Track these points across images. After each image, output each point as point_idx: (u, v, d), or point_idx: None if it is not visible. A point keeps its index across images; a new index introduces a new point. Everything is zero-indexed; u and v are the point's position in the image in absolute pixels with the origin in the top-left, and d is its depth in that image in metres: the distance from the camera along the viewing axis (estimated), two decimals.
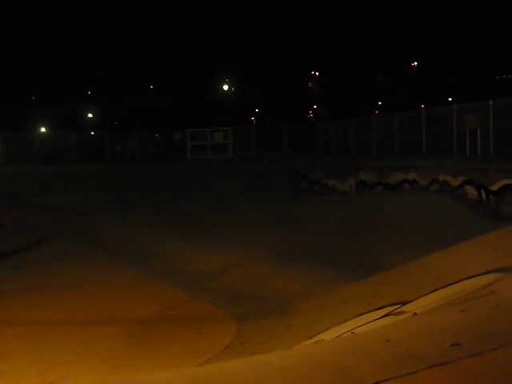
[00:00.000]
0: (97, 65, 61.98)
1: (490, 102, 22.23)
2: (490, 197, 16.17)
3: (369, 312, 6.82)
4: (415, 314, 5.46)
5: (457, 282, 6.69)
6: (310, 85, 70.79)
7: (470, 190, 16.99)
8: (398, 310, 6.39)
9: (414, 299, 6.61)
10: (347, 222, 15.40)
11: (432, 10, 55.49)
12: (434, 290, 6.69)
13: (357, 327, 5.95)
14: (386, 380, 2.91)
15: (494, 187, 15.97)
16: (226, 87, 60.10)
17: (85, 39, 64.43)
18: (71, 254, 13.99)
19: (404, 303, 6.59)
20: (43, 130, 49.81)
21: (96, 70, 61.94)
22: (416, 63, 62.43)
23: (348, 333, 5.71)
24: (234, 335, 8.56)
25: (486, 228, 9.97)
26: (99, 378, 6.92)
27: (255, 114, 72.25)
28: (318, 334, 6.75)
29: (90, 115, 63.83)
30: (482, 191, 16.51)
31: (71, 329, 7.92)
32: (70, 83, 62.44)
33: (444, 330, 3.94)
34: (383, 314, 6.38)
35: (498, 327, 3.84)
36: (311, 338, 6.71)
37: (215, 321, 9.36)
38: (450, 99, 51.53)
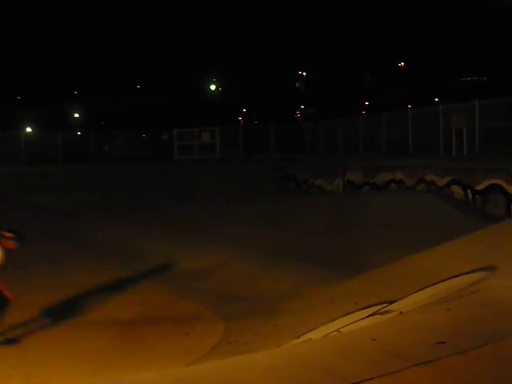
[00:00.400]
0: (84, 64, 61.71)
1: (476, 103, 22.37)
2: (476, 196, 16.26)
3: (356, 311, 6.85)
4: (401, 312, 5.50)
5: (443, 280, 6.75)
6: (297, 85, 70.85)
7: (457, 190, 17.07)
8: (385, 308, 6.42)
9: (401, 298, 6.65)
10: (334, 221, 15.43)
11: (418, 10, 55.74)
12: (421, 289, 6.73)
13: (344, 326, 5.98)
14: (372, 378, 2.94)
15: (480, 187, 16.06)
16: (213, 87, 60.01)
17: (73, 40, 64.14)
18: (60, 256, 13.92)
19: (390, 302, 6.63)
20: (29, 130, 49.46)
21: (83, 69, 61.66)
22: (403, 64, 62.66)
23: (335, 332, 5.74)
24: (222, 335, 8.57)
25: (472, 227, 10.04)
26: (86, 379, 6.90)
27: (242, 114, 72.21)
28: (306, 333, 6.78)
29: (76, 115, 63.48)
30: (468, 191, 16.60)
31: (58, 330, 7.90)
32: (56, 83, 62.08)
33: (429, 328, 3.98)
34: (370, 313, 6.41)
35: (482, 325, 3.88)
36: (298, 337, 6.73)
37: (203, 321, 9.38)
38: (436, 99, 51.79)
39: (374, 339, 3.77)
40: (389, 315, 6.00)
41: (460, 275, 6.60)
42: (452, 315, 4.33)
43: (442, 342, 3.47)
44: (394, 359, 3.21)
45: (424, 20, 55.47)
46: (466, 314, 4.35)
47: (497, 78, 51.50)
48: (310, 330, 6.83)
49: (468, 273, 6.49)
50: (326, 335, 5.63)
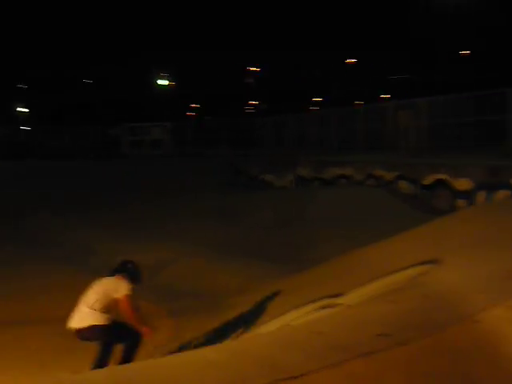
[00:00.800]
0: (31, 56, 60.19)
1: (424, 99, 22.76)
2: (423, 191, 16.60)
3: (304, 305, 6.87)
4: (347, 306, 5.53)
5: (389, 273, 6.83)
6: (248, 80, 70.88)
7: (404, 185, 17.40)
8: (332, 302, 6.46)
9: (349, 291, 6.70)
10: (284, 216, 15.50)
11: (367, 6, 56.37)
12: (368, 283, 6.80)
13: (292, 320, 5.99)
14: (316, 371, 2.93)
15: (427, 182, 16.41)
16: (164, 82, 59.43)
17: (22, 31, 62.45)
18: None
19: (338, 295, 6.68)
20: None
21: (29, 61, 60.14)
22: (353, 60, 63.36)
23: (283, 326, 5.74)
24: (171, 332, 8.51)
25: (418, 221, 10.22)
26: (26, 378, 6.74)
27: (194, 110, 71.88)
28: (254, 328, 6.77)
29: (21, 109, 61.87)
30: (415, 185, 16.94)
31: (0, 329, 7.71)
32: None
33: (374, 321, 4.01)
34: (318, 307, 6.44)
35: (425, 317, 3.93)
36: (247, 332, 6.73)
37: (151, 318, 9.27)
38: (385, 96, 52.57)
39: (320, 332, 3.78)
40: (336, 308, 6.04)
41: (406, 268, 6.69)
42: (396, 308, 4.38)
43: (385, 334, 3.49)
44: (338, 351, 3.22)
45: (374, 17, 56.18)
46: (410, 306, 4.40)
47: (421, 76, 52.70)
48: (258, 325, 6.82)
49: (413, 266, 6.59)
50: (273, 329, 5.63)
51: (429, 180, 16.37)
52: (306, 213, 15.50)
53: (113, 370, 4.04)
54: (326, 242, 12.53)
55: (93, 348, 6.84)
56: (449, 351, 3.39)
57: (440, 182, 15.93)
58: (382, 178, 18.30)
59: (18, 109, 60.54)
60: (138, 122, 41.12)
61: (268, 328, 6.35)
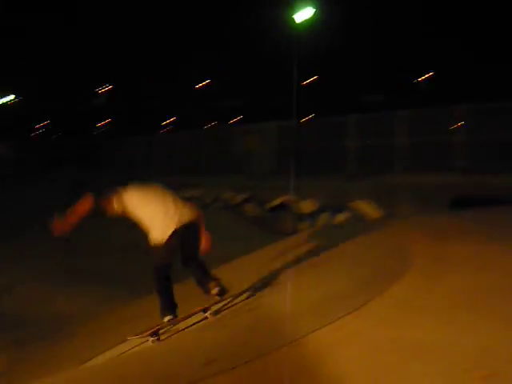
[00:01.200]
0: None
1: (272, 123, 23.47)
2: (269, 213, 17.05)
3: (144, 332, 6.75)
4: (181, 331, 5.51)
5: (236, 296, 6.90)
6: (97, 100, 69.16)
7: (251, 208, 17.77)
8: (171, 328, 6.40)
9: (187, 317, 6.68)
10: (131, 240, 15.20)
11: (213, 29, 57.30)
12: (210, 306, 6.82)
13: (128, 350, 5.83)
14: None
15: (272, 204, 16.90)
16: (7, 99, 56.57)
17: None
18: None
19: (177, 321, 6.62)
20: None
21: None
22: (204, 83, 64.08)
23: (116, 356, 5.58)
24: (3, 364, 8.01)
25: (262, 244, 10.47)
26: None
27: (40, 128, 69.04)
28: (91, 358, 6.52)
29: None
30: (262, 208, 17.37)
31: None
32: None
33: (204, 346, 4.02)
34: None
35: (253, 341, 4.01)
36: (84, 363, 6.46)
37: None
38: (236, 119, 53.58)
39: (148, 361, 3.73)
40: (175, 335, 5.99)
41: (244, 292, 6.80)
42: (229, 332, 4.44)
43: (214, 360, 3.51)
44: (164, 381, 3.18)
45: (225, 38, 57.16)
46: (242, 330, 4.47)
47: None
48: (96, 355, 6.58)
49: (251, 288, 6.72)
50: (107, 360, 5.47)
51: (274, 202, 16.88)
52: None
53: None
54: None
55: None
56: (274, 375, 3.46)
57: (285, 205, 16.47)
58: (229, 200, 18.62)
59: None
60: None
61: (102, 359, 6.14)
